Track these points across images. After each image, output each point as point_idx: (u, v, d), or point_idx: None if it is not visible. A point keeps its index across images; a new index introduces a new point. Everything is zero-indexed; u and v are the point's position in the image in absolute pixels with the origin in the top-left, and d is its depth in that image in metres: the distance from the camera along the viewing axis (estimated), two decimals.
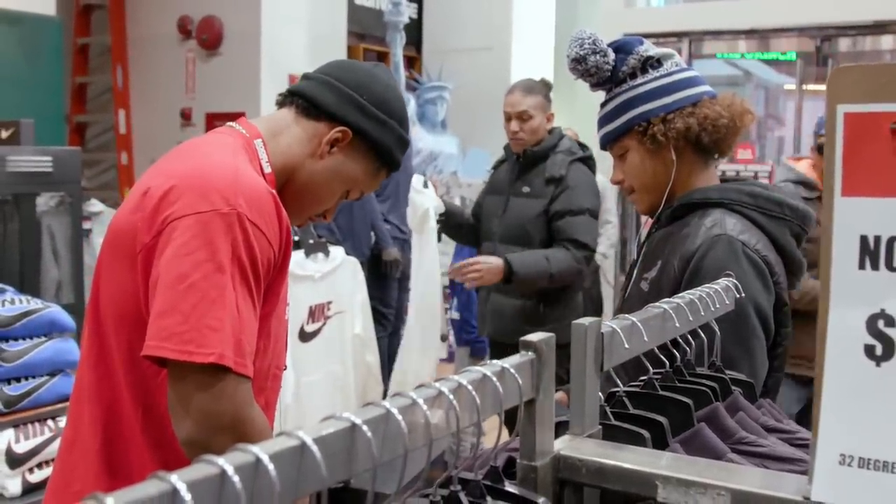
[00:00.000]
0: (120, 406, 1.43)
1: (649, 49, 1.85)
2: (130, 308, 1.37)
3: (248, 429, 1.31)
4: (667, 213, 1.87)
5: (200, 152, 1.44)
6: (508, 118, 3.58)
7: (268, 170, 1.51)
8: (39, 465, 2.84)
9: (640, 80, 1.85)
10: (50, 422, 2.89)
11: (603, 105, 1.92)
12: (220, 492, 0.57)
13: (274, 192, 1.42)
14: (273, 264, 1.40)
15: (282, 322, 1.54)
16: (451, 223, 3.82)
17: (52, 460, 2.84)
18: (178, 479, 0.55)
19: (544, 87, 3.64)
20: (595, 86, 1.91)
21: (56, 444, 2.86)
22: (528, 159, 3.60)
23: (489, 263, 3.34)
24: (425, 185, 3.75)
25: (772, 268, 1.73)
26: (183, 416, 1.29)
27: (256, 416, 1.34)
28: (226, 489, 0.58)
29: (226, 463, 0.58)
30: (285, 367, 1.62)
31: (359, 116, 1.55)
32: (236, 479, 0.58)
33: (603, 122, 1.91)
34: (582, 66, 1.84)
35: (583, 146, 3.72)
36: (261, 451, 0.60)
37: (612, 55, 1.84)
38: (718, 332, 1.37)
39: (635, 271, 1.92)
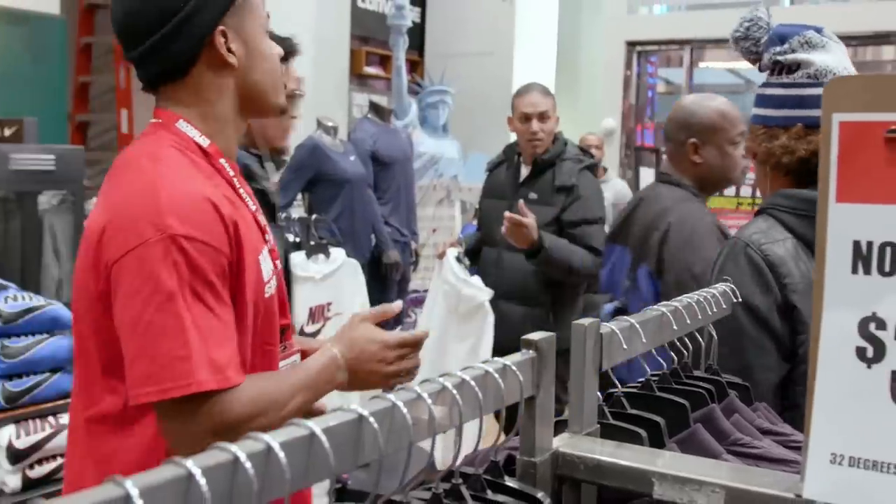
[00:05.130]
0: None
1: (787, 53, 1.74)
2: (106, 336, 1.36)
3: (238, 429, 1.27)
4: None
5: (124, 177, 1.40)
6: (527, 119, 3.53)
7: (205, 143, 1.45)
8: (40, 461, 2.86)
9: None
10: (51, 418, 2.90)
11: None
12: (233, 477, 0.60)
13: (208, 195, 1.35)
14: (229, 264, 1.35)
15: (263, 301, 1.47)
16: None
17: (53, 456, 2.87)
18: (193, 465, 0.57)
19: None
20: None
21: (56, 441, 2.88)
22: (535, 165, 3.58)
23: (529, 229, 3.28)
24: (460, 261, 3.69)
25: (777, 269, 1.67)
26: (180, 446, 1.29)
27: (240, 404, 1.31)
28: (238, 475, 0.60)
29: (239, 450, 0.60)
30: (283, 342, 1.58)
31: (198, 17, 1.40)
32: (248, 465, 0.60)
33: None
34: (738, 45, 1.79)
35: (586, 153, 3.73)
36: (272, 439, 0.63)
37: (762, 45, 1.77)
38: (715, 336, 1.39)
39: None
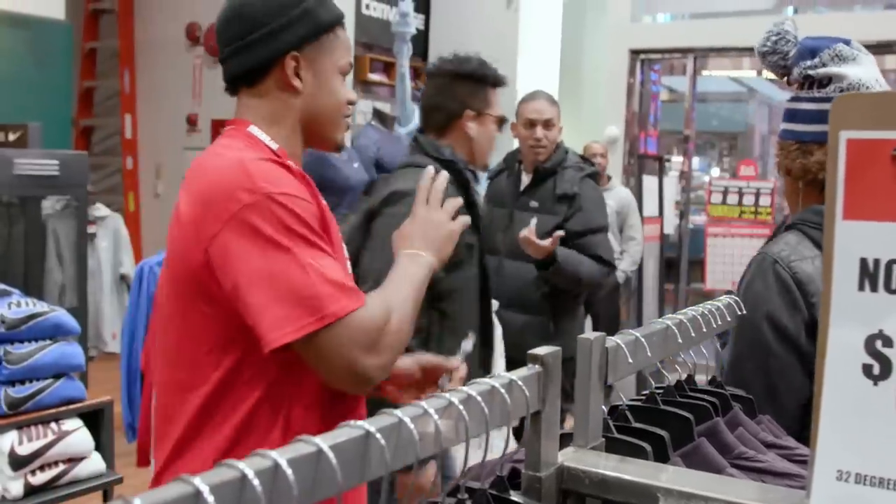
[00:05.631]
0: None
1: (818, 67, 1.70)
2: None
3: (380, 336, 1.43)
4: None
5: (204, 167, 1.53)
6: (531, 125, 3.52)
7: (274, 146, 1.58)
8: (42, 468, 2.86)
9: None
10: (53, 424, 2.91)
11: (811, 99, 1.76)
12: (240, 494, 0.60)
13: (278, 158, 1.51)
14: (319, 215, 1.49)
15: (349, 277, 1.58)
16: None
17: (55, 462, 2.87)
18: (201, 482, 0.57)
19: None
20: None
21: (59, 447, 2.88)
22: (537, 174, 3.57)
23: (541, 245, 3.28)
24: None
25: (805, 287, 1.63)
26: (340, 374, 1.42)
27: (373, 315, 1.43)
28: (246, 492, 0.60)
29: (246, 467, 0.60)
30: None
31: (277, 38, 1.59)
32: (256, 482, 0.60)
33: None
34: (765, 59, 1.76)
35: (587, 161, 3.73)
36: (279, 456, 0.63)
37: (790, 58, 1.74)
38: (719, 349, 1.39)
39: None
